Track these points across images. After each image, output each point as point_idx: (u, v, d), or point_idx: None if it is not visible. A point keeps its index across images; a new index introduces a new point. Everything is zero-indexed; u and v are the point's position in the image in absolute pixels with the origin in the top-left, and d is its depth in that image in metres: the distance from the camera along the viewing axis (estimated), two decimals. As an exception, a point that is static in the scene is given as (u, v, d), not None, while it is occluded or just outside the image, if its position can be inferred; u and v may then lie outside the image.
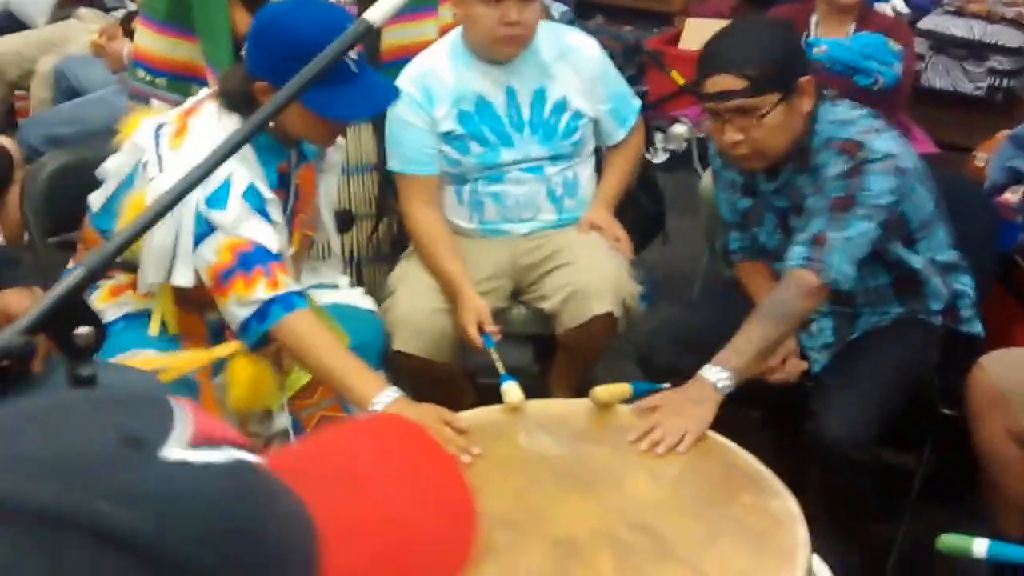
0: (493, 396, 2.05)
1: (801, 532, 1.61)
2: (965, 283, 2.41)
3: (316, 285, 2.44)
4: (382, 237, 2.93)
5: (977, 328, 2.42)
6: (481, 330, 2.41)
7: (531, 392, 2.05)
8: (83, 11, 4.74)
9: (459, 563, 0.58)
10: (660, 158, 4.29)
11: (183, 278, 2.09)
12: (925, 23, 4.45)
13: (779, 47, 2.22)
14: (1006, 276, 2.61)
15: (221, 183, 2.04)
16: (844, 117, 2.24)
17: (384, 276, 2.74)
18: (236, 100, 2.12)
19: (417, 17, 2.77)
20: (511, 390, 2.00)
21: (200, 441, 0.51)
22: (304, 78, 1.33)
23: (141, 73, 2.85)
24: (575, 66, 2.67)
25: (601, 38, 3.04)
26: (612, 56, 4.15)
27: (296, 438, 2.32)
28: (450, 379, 2.58)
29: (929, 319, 2.37)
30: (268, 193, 2.12)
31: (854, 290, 2.29)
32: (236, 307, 2.05)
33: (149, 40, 2.83)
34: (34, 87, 4.51)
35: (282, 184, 2.24)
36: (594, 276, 2.51)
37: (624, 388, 2.00)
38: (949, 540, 1.64)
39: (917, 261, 2.34)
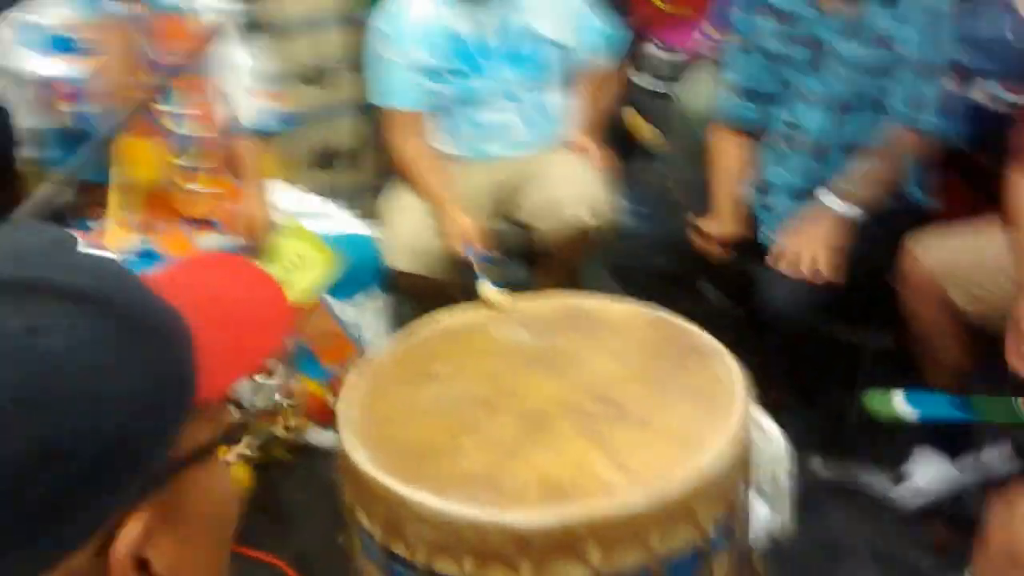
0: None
1: (738, 388, 1.75)
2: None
3: (307, 214, 2.62)
4: (368, 167, 3.11)
5: (922, 198, 2.55)
6: (467, 244, 2.61)
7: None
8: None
9: (282, 325, 0.78)
10: (648, 83, 4.41)
11: None
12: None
13: None
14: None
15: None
16: None
17: (373, 203, 2.93)
18: None
19: None
20: (483, 286, 2.20)
21: (89, 244, 0.71)
22: None
23: None
24: None
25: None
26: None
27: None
28: (445, 293, 2.72)
29: None
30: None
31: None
32: None
33: None
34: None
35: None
36: (567, 187, 2.68)
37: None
38: (874, 398, 1.77)
39: None
